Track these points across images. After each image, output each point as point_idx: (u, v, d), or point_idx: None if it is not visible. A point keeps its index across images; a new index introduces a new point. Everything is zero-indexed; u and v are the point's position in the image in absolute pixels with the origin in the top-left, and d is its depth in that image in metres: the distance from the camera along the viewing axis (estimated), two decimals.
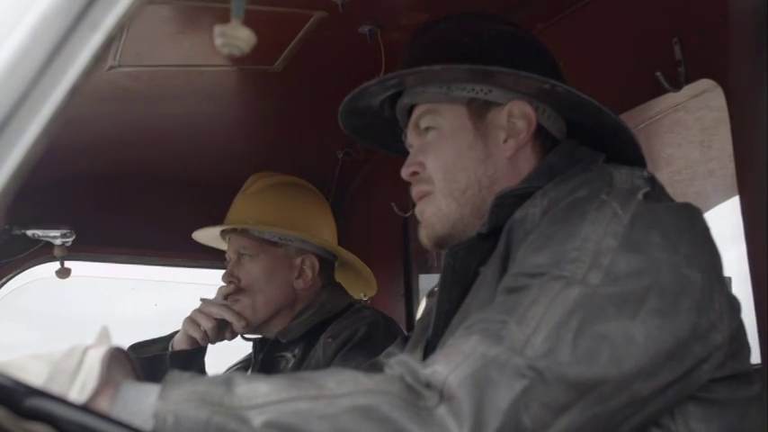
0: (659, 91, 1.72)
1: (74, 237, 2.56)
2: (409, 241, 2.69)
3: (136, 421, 0.86)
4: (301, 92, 2.37)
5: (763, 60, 1.41)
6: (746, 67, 1.48)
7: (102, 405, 0.87)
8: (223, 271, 2.29)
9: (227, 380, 0.92)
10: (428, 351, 1.37)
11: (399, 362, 0.99)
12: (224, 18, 0.79)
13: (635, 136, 1.39)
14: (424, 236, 1.44)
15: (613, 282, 1.04)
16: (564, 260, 1.06)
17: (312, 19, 1.98)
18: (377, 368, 1.48)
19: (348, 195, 2.92)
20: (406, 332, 2.35)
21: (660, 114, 2.23)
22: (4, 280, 2.66)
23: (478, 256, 1.33)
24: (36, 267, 2.70)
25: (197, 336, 2.21)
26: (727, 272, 1.19)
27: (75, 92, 0.76)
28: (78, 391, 0.86)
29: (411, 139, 1.48)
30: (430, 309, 1.48)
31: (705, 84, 1.69)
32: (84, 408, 0.81)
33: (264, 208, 2.29)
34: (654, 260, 1.07)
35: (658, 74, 1.67)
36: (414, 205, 1.48)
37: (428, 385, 0.94)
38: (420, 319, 1.62)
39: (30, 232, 2.53)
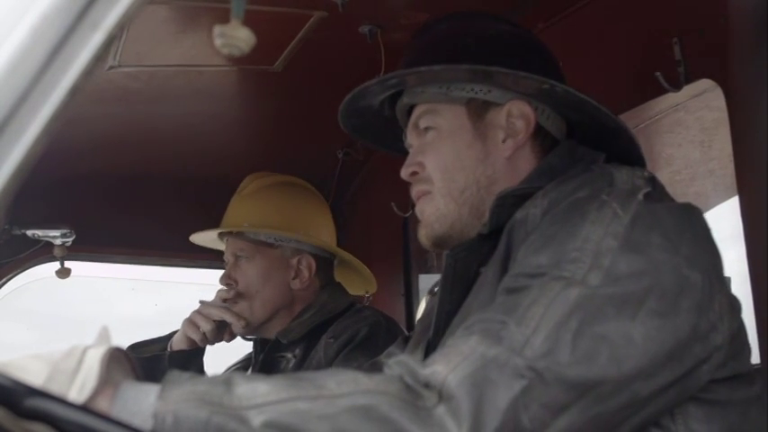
0: (659, 91, 1.72)
1: (74, 237, 2.56)
2: (409, 241, 2.69)
3: (135, 421, 0.86)
4: (301, 92, 2.37)
5: (762, 60, 1.41)
6: (746, 67, 1.48)
7: (102, 405, 0.88)
8: (223, 271, 2.29)
9: (226, 380, 0.92)
10: (429, 351, 1.37)
11: (398, 362, 0.99)
12: (224, 18, 0.79)
13: (634, 136, 1.39)
14: (423, 236, 1.44)
15: (613, 282, 1.04)
16: (564, 260, 1.06)
17: (312, 19, 1.98)
18: (378, 368, 1.48)
19: (348, 195, 2.92)
20: (406, 332, 2.35)
21: (660, 114, 2.23)
22: (4, 280, 2.66)
23: (479, 257, 1.33)
24: (36, 267, 2.69)
25: (196, 337, 2.21)
26: (726, 272, 1.19)
27: (75, 92, 0.76)
28: (78, 391, 0.86)
29: (411, 139, 1.48)
30: (431, 309, 1.48)
31: (705, 84, 1.69)
32: (84, 408, 0.82)
33: (260, 209, 2.29)
34: (654, 261, 1.07)
35: (658, 74, 1.67)
36: (414, 205, 1.48)
37: (427, 385, 0.94)
38: (421, 319, 1.62)
39: (30, 232, 2.53)
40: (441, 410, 0.92)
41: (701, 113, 2.20)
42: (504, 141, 1.39)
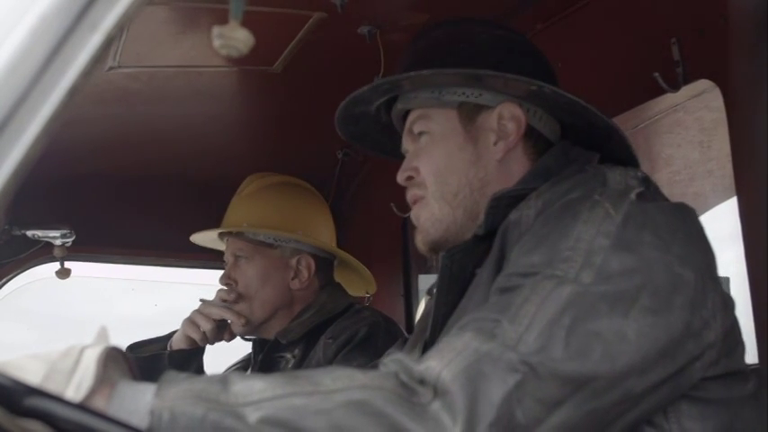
0: (658, 91, 1.72)
1: (74, 237, 2.55)
2: (408, 241, 2.69)
3: (132, 419, 0.87)
4: (301, 92, 2.37)
5: (761, 61, 1.41)
6: (745, 67, 1.48)
7: (99, 404, 0.88)
8: (222, 271, 2.30)
9: (223, 379, 0.93)
10: (426, 352, 1.37)
11: (394, 360, 0.99)
12: (224, 19, 0.79)
13: (625, 136, 1.40)
14: (420, 241, 1.46)
15: (605, 280, 1.04)
16: (556, 259, 1.07)
17: (312, 19, 1.99)
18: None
19: (348, 195, 2.92)
20: (405, 332, 2.35)
21: (659, 115, 2.23)
22: (4, 280, 2.66)
23: (475, 258, 1.33)
24: (36, 267, 2.70)
25: (196, 337, 2.21)
26: (725, 272, 1.19)
27: (74, 92, 0.77)
28: (75, 390, 0.86)
29: (406, 144, 1.50)
30: (429, 310, 1.49)
31: (704, 84, 1.69)
32: (81, 406, 0.82)
33: (259, 209, 2.29)
34: (646, 259, 1.08)
35: (657, 74, 1.67)
36: None
37: (422, 381, 0.95)
38: (419, 320, 1.63)
39: (30, 232, 2.53)
40: (436, 406, 0.93)
41: (699, 114, 2.20)
42: (495, 144, 1.40)
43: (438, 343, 1.04)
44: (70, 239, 2.56)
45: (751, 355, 1.27)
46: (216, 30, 0.78)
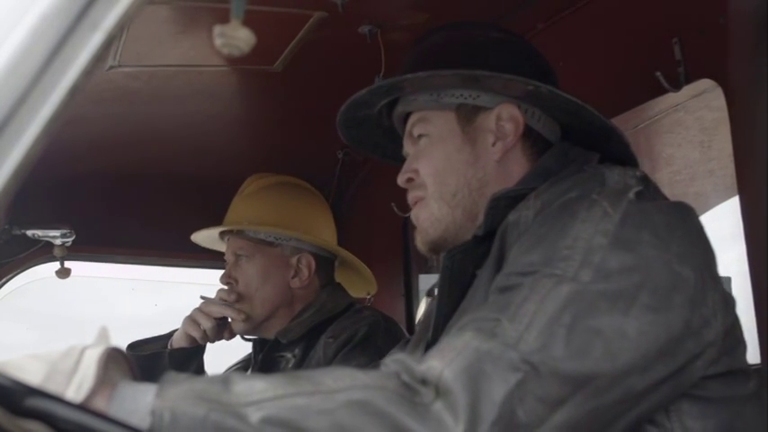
0: (659, 91, 1.72)
1: (74, 237, 2.55)
2: (409, 241, 2.69)
3: (133, 420, 0.87)
4: (301, 92, 2.37)
5: (762, 60, 1.41)
6: (746, 67, 1.48)
7: (99, 404, 0.88)
8: (223, 271, 2.30)
9: (224, 379, 0.93)
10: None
11: (395, 360, 0.99)
12: (224, 18, 0.79)
13: (623, 135, 1.40)
14: (419, 241, 1.47)
15: (604, 279, 1.05)
16: (555, 258, 1.07)
17: (312, 19, 1.99)
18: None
19: (348, 195, 2.92)
20: (406, 332, 2.35)
21: (660, 114, 2.23)
22: (4, 280, 2.66)
23: (475, 259, 1.34)
24: (36, 267, 2.69)
25: (196, 335, 2.22)
26: (727, 272, 1.19)
27: (75, 92, 0.77)
28: (75, 391, 0.86)
29: (407, 147, 1.50)
30: (430, 311, 1.49)
31: (705, 84, 1.69)
32: (81, 406, 0.82)
33: (260, 208, 2.30)
34: (644, 258, 1.08)
35: (658, 74, 1.67)
36: None
37: (423, 381, 0.95)
38: (420, 321, 1.63)
39: (30, 232, 2.53)
40: (438, 405, 0.93)
41: (700, 113, 2.20)
42: (493, 144, 1.41)
43: (439, 343, 1.04)
44: (70, 239, 2.56)
45: (753, 355, 1.27)
46: (217, 29, 0.78)
